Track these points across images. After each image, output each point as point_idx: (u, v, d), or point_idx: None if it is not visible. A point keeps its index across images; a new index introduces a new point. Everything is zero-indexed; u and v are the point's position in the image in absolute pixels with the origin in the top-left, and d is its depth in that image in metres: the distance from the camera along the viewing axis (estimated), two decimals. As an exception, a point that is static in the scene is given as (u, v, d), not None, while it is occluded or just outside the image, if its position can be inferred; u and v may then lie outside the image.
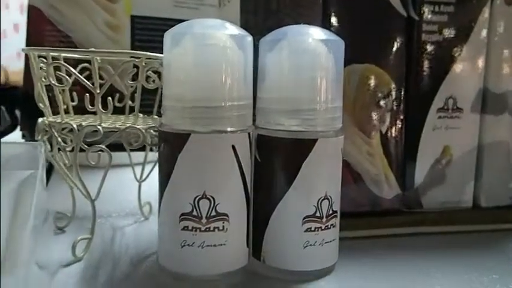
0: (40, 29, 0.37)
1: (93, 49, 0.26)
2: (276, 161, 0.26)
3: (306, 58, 0.26)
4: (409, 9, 0.33)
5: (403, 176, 0.34)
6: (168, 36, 0.25)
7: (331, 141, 0.26)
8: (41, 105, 0.28)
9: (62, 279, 0.26)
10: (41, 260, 0.27)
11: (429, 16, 0.33)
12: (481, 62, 0.34)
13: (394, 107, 0.33)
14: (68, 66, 0.25)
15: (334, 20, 0.32)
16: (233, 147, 0.25)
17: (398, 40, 0.33)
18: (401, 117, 0.33)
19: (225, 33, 0.25)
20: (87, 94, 0.27)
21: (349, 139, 0.33)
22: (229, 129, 0.24)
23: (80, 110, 0.32)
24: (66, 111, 0.31)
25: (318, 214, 0.26)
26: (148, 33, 0.40)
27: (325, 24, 0.32)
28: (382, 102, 0.33)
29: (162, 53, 0.26)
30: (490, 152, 0.35)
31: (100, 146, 0.27)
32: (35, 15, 0.37)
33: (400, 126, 0.33)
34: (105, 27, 0.38)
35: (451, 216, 0.35)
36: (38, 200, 0.24)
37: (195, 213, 0.24)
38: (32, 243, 0.23)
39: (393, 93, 0.33)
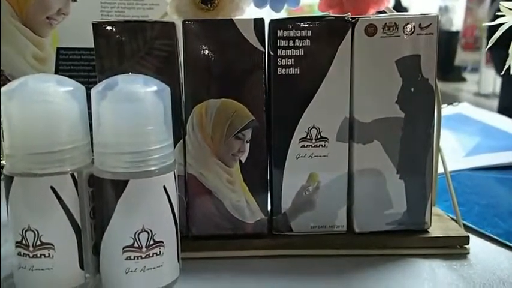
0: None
1: None
2: (101, 198, 0.30)
3: (127, 107, 0.29)
4: (265, 44, 0.34)
5: (270, 202, 0.36)
6: (2, 93, 0.29)
7: (146, 180, 0.29)
8: None
9: None
10: None
11: (284, 51, 0.34)
12: (343, 93, 0.35)
13: (255, 138, 0.35)
14: None
15: (191, 60, 0.34)
16: (52, 187, 0.29)
17: (257, 74, 0.34)
18: (263, 146, 0.35)
19: (49, 88, 0.29)
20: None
21: (209, 169, 0.35)
22: (45, 172, 0.29)
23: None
24: None
25: (136, 245, 0.29)
26: (72, 63, 0.45)
27: (182, 66, 0.34)
28: (240, 134, 0.35)
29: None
30: (361, 179, 0.36)
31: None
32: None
33: (261, 155, 0.35)
34: (33, 59, 0.44)
35: (321, 240, 0.36)
36: None
37: (24, 242, 0.29)
38: None
39: (253, 124, 0.35)
